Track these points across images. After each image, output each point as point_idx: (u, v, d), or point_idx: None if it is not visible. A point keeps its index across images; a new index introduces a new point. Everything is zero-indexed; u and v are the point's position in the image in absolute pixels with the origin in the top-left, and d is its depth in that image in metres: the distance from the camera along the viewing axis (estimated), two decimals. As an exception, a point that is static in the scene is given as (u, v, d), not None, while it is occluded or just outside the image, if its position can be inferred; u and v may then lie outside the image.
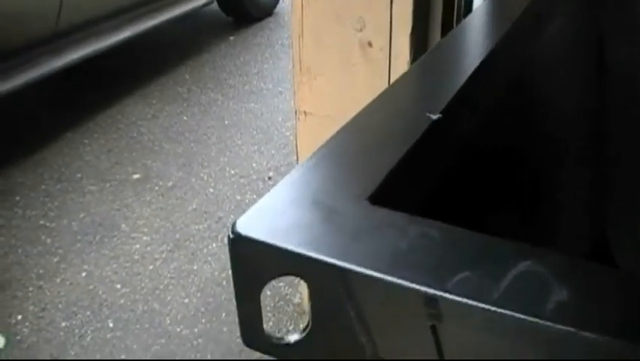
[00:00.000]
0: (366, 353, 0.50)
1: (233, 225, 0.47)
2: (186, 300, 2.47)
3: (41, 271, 2.62)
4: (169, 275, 2.59)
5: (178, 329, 2.34)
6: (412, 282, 0.43)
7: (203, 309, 2.42)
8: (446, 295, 0.41)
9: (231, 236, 0.47)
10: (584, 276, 0.43)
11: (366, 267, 0.44)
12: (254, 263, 0.47)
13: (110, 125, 3.78)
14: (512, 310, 0.39)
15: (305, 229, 0.47)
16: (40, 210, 3.00)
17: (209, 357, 2.24)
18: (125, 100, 4.08)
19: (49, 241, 2.80)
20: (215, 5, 5.19)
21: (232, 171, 3.33)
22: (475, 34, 1.13)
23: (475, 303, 0.40)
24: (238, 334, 0.53)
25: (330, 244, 0.46)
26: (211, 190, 3.17)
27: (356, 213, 0.49)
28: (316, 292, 0.48)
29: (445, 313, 0.43)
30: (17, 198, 3.09)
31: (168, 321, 2.37)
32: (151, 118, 3.88)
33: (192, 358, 2.23)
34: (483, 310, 0.40)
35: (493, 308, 0.40)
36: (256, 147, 3.56)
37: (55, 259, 2.69)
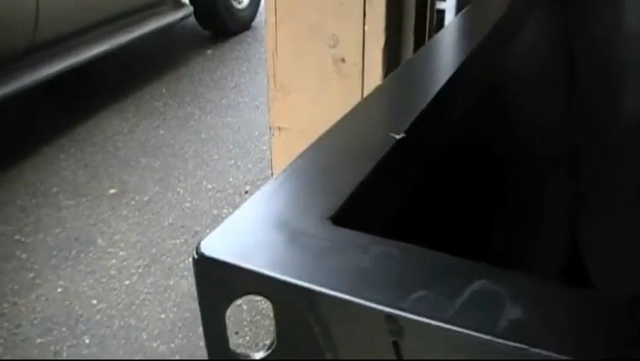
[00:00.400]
0: (331, 367, 0.51)
1: (198, 245, 0.48)
2: (163, 315, 2.46)
3: (16, 287, 2.60)
4: (145, 290, 2.58)
5: (155, 345, 2.33)
6: (373, 301, 0.44)
7: (179, 324, 2.41)
8: (404, 313, 0.42)
9: (196, 257, 0.48)
10: (537, 295, 0.45)
11: (329, 287, 0.45)
12: (219, 283, 0.48)
13: (86, 139, 3.76)
14: (466, 328, 0.41)
15: (269, 250, 0.48)
16: (16, 226, 2.98)
17: (185, 373, 2.24)
18: (102, 114, 4.06)
19: (24, 256, 2.78)
20: (192, 19, 5.19)
21: (209, 186, 3.33)
22: (446, 50, 1.15)
23: (431, 321, 0.42)
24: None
25: (293, 264, 0.47)
26: (187, 205, 3.17)
27: (319, 233, 0.50)
28: (281, 310, 0.49)
29: (406, 329, 0.44)
30: (-8, 213, 3.07)
31: (145, 336, 2.36)
32: (127, 132, 3.87)
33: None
34: (439, 327, 0.41)
35: (448, 326, 0.41)
36: (233, 161, 3.56)
37: (31, 275, 2.67)
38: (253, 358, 0.52)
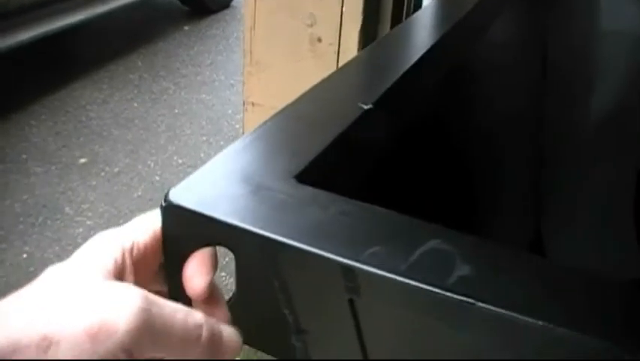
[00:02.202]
0: (289, 324, 0.53)
1: (167, 193, 0.50)
2: (127, 285, 2.46)
3: (-19, 252, 2.59)
4: (111, 260, 2.59)
5: (117, 314, 2.33)
6: (329, 252, 0.46)
7: (143, 295, 2.42)
8: (357, 264, 0.44)
9: (164, 204, 0.50)
10: (487, 255, 0.47)
11: (287, 237, 0.47)
12: (184, 231, 0.50)
13: (58, 108, 3.74)
14: (417, 281, 0.43)
15: (233, 201, 0.50)
16: (-17, 190, 2.97)
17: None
18: (76, 84, 4.04)
19: (-10, 221, 2.78)
20: (171, -6, 5.18)
21: (180, 160, 3.33)
22: (421, 30, 1.17)
23: (383, 273, 0.44)
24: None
25: (255, 215, 0.49)
26: (157, 178, 3.17)
27: (282, 189, 0.52)
28: (242, 262, 0.51)
29: (361, 285, 0.46)
30: (-40, 176, 3.05)
31: (108, 305, 2.37)
32: (101, 103, 3.85)
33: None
34: (391, 280, 0.44)
35: (399, 279, 0.43)
36: (205, 138, 3.57)
37: (-4, 240, 2.67)
38: (213, 308, 0.54)
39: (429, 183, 0.92)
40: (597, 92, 1.78)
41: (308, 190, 0.51)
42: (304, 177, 0.53)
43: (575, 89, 1.79)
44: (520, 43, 1.71)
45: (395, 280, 0.43)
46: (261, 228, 0.47)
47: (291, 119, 0.64)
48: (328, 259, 0.45)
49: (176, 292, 0.54)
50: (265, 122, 0.62)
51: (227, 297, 0.55)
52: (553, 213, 1.76)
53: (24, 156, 3.25)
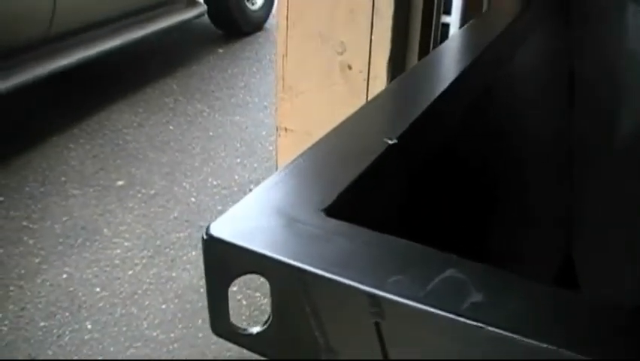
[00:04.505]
0: (320, 345, 0.57)
1: (208, 227, 0.55)
2: (164, 305, 2.52)
3: (22, 272, 2.66)
4: (148, 281, 2.65)
5: (154, 334, 2.39)
6: (354, 281, 0.50)
7: (180, 315, 2.48)
8: (381, 293, 0.49)
9: (205, 237, 0.55)
10: (497, 282, 0.51)
11: (316, 267, 0.52)
12: (223, 262, 0.55)
13: (96, 131, 3.83)
14: (433, 307, 0.47)
15: (268, 234, 0.55)
16: (24, 212, 3.05)
17: (183, 361, 2.30)
18: (112, 107, 4.13)
19: (31, 242, 2.85)
20: (206, 18, 5.26)
21: (214, 182, 3.39)
22: (446, 62, 1.21)
23: (404, 301, 0.48)
24: (213, 340, 0.60)
25: (287, 247, 0.54)
26: (193, 200, 3.23)
27: (313, 222, 0.56)
28: (276, 288, 0.56)
29: (385, 310, 0.51)
30: (1, 199, 3.13)
31: (145, 325, 2.43)
32: (137, 126, 3.94)
33: (167, 361, 2.29)
34: (411, 306, 0.48)
35: (419, 305, 0.48)
36: (239, 160, 3.63)
37: (37, 260, 2.74)
38: (251, 332, 0.59)
39: (459, 211, 0.96)
40: (626, 113, 1.80)
41: (335, 223, 0.56)
42: (332, 210, 0.58)
43: (603, 110, 1.81)
44: (547, 68, 1.74)
45: (414, 306, 0.48)
46: (293, 259, 0.52)
47: (321, 155, 0.69)
48: (355, 287, 0.50)
49: (216, 316, 0.59)
50: (296, 158, 0.67)
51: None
52: (586, 234, 1.78)
53: (63, 179, 3.33)
